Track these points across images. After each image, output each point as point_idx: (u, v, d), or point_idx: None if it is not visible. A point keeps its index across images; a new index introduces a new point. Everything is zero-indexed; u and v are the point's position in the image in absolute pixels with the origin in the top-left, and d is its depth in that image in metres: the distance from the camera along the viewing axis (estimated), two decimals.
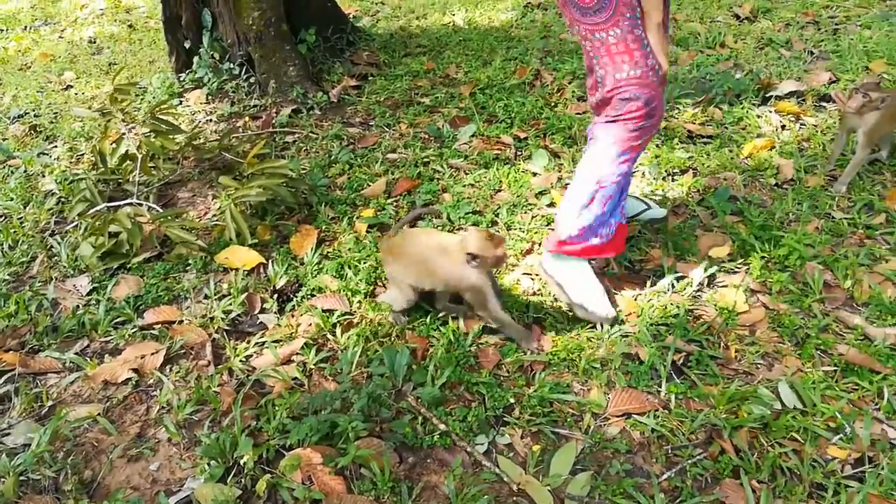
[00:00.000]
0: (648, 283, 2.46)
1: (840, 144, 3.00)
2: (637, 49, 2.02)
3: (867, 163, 3.01)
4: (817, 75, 3.83)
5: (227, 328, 2.39)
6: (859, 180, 2.94)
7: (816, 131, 3.33)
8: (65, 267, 2.74)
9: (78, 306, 2.50)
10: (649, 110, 2.06)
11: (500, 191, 3.08)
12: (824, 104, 3.58)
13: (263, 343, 2.31)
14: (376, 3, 6.11)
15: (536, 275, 2.53)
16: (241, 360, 2.24)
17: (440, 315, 2.33)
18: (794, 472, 1.82)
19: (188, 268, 2.68)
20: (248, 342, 2.33)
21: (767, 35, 4.45)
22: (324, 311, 2.39)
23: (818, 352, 2.17)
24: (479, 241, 2.10)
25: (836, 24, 4.51)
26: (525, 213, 2.90)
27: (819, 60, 4.06)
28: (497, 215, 2.88)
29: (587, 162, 2.21)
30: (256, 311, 2.47)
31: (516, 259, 2.64)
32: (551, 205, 2.92)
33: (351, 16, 5.46)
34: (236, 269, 2.64)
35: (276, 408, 2.01)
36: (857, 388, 2.04)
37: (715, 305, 2.35)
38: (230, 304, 2.46)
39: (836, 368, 2.10)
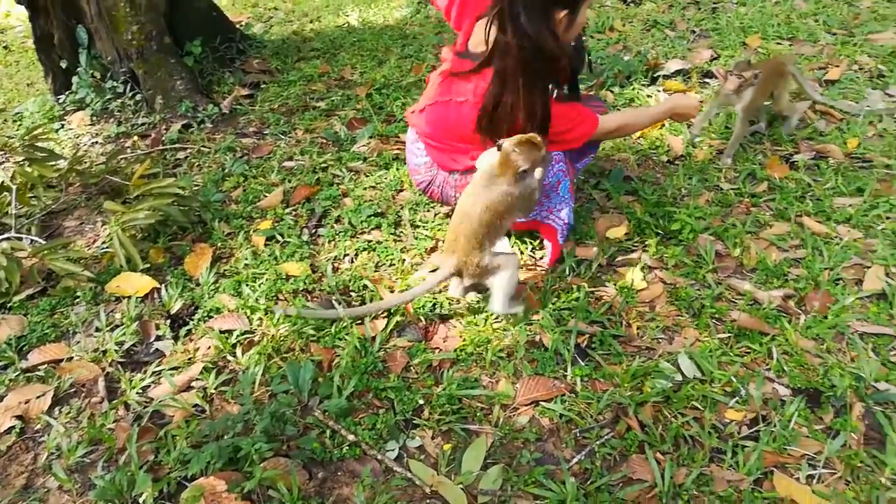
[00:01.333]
0: (549, 270, 2.49)
1: (709, 115, 3.12)
2: None
3: (748, 134, 3.15)
4: (700, 53, 3.98)
5: (121, 360, 2.27)
6: (742, 151, 3.07)
7: (702, 107, 3.45)
8: None
9: None
10: None
11: (402, 190, 3.05)
12: (708, 80, 3.72)
13: (161, 371, 2.21)
14: (269, 9, 5.97)
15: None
16: (137, 393, 2.13)
17: (345, 325, 2.28)
18: (695, 440, 1.88)
19: (77, 301, 2.53)
20: (145, 372, 2.22)
21: (653, 17, 4.59)
22: (222, 331, 2.30)
23: (713, 320, 2.24)
24: (522, 151, 2.04)
25: (715, 4, 4.69)
26: (428, 210, 2.87)
27: (701, 39, 4.22)
28: (400, 215, 2.85)
29: None
30: (152, 339, 2.36)
31: (421, 257, 2.62)
32: None
33: (242, 23, 5.32)
34: (129, 297, 2.51)
35: (176, 438, 1.93)
36: (749, 351, 2.12)
37: (615, 285, 2.40)
38: (123, 335, 2.34)
39: (730, 335, 2.18)
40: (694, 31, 4.31)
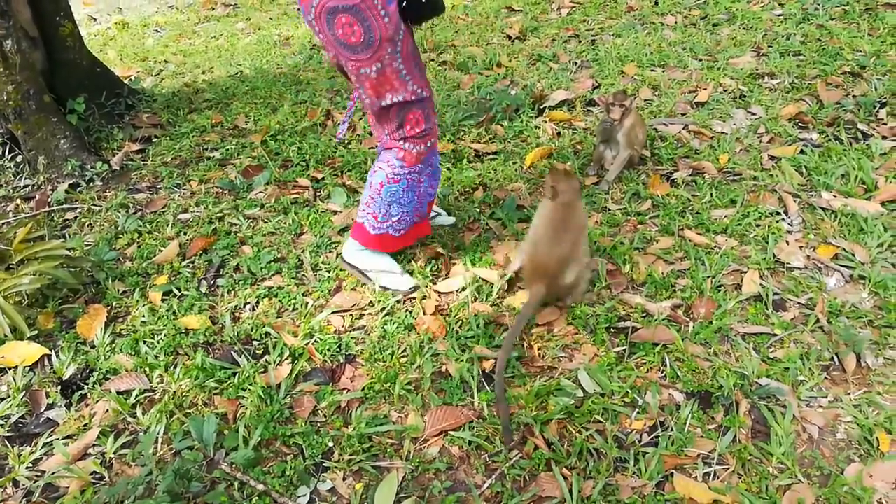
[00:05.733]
0: (452, 299, 2.54)
1: (602, 153, 3.24)
2: (396, 79, 2.11)
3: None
4: (582, 83, 4.19)
5: (8, 434, 2.14)
6: (627, 173, 3.23)
7: (586, 134, 3.63)
8: None
9: None
10: (421, 130, 2.25)
11: (302, 234, 3.04)
12: (591, 108, 3.92)
13: (52, 442, 2.09)
14: (159, 63, 5.85)
15: (346, 312, 2.53)
16: (27, 467, 2.01)
17: (246, 374, 2.24)
18: (599, 452, 1.94)
19: None
20: (35, 444, 2.10)
21: (537, 51, 4.80)
22: (119, 392, 2.22)
23: (609, 335, 2.34)
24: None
25: (593, 36, 4.97)
26: (330, 252, 2.88)
27: (582, 69, 4.44)
28: (301, 259, 2.83)
29: (373, 171, 2.39)
30: (42, 409, 2.24)
31: (325, 299, 2.62)
32: None
33: (131, 78, 5.21)
34: (15, 367, 2.38)
35: None
36: (644, 362, 2.22)
37: (514, 309, 2.46)
38: (9, 407, 2.21)
39: (624, 347, 2.28)
40: (576, 63, 4.54)
